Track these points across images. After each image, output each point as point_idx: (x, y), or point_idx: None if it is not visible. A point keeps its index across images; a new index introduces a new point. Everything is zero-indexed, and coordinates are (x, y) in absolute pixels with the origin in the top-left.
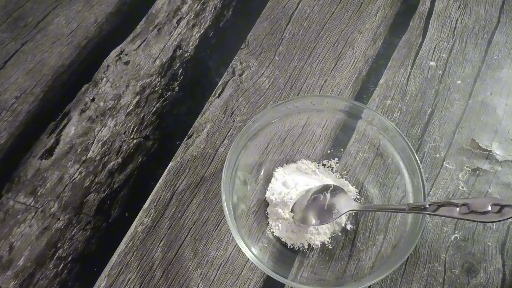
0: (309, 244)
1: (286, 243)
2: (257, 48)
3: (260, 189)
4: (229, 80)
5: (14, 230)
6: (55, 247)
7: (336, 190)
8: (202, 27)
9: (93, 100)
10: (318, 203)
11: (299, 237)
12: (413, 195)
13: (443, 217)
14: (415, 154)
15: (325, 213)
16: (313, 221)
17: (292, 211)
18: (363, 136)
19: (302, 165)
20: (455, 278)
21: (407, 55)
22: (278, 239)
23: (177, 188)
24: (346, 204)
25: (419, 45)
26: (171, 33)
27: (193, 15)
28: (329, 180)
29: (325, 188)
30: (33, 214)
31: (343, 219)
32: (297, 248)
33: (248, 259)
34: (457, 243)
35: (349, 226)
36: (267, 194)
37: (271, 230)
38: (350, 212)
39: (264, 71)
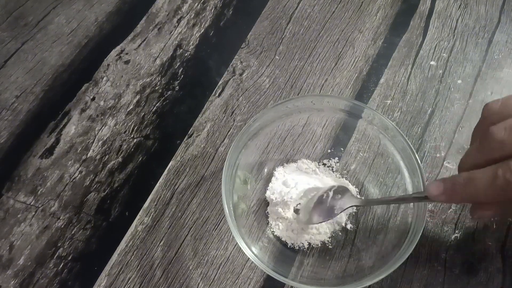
0: (310, 244)
1: (286, 242)
2: (257, 47)
3: (260, 189)
4: (230, 79)
5: (14, 229)
6: (55, 246)
7: (339, 189)
8: (202, 26)
9: (93, 99)
10: (322, 202)
11: (299, 237)
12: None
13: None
14: (416, 153)
15: (328, 211)
16: (316, 219)
17: (296, 212)
18: (363, 136)
19: (303, 165)
20: (455, 278)
21: (408, 55)
22: (278, 238)
23: (177, 188)
24: (347, 200)
25: (420, 44)
26: (171, 32)
27: (193, 15)
28: (329, 179)
29: (328, 189)
30: (33, 213)
31: (343, 218)
32: (298, 248)
33: (248, 258)
34: (457, 243)
35: (349, 226)
36: (267, 193)
37: (271, 230)
38: (352, 208)
39: (265, 71)
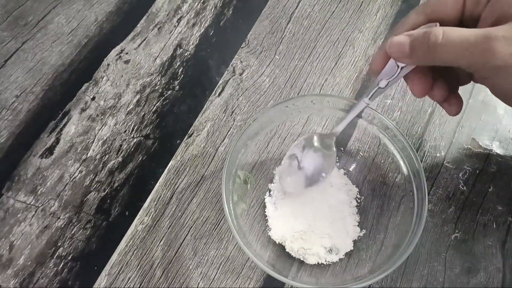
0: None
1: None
2: (257, 47)
3: (260, 188)
4: (230, 79)
5: (14, 229)
6: (55, 246)
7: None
8: (202, 26)
9: (93, 99)
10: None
11: (295, 244)
12: (413, 194)
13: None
14: (416, 153)
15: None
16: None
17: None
18: (363, 135)
19: None
20: (455, 277)
21: None
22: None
23: (177, 187)
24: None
25: None
26: (171, 32)
27: (193, 14)
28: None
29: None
30: (33, 213)
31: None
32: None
33: (248, 258)
34: (457, 242)
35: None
36: (267, 193)
37: (270, 230)
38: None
39: (265, 70)
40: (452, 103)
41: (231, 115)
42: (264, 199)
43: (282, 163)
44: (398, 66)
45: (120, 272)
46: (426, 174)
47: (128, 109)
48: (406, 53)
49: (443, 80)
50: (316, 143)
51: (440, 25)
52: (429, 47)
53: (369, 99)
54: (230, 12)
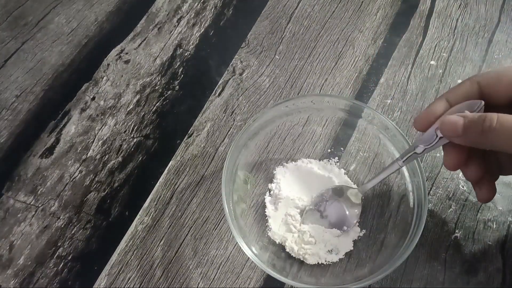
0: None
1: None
2: (257, 47)
3: (260, 188)
4: (230, 79)
5: (14, 229)
6: (55, 246)
7: (335, 190)
8: (202, 26)
9: (93, 99)
10: (320, 208)
11: (297, 244)
12: (413, 194)
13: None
14: None
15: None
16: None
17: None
18: (363, 135)
19: (302, 164)
20: (455, 277)
21: (408, 54)
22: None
23: (177, 187)
24: (352, 212)
25: (420, 44)
26: (171, 32)
27: (193, 14)
28: (330, 176)
29: (325, 196)
30: (33, 213)
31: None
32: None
33: (249, 258)
34: (457, 242)
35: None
36: (267, 193)
37: (271, 230)
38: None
39: (265, 70)
40: (483, 187)
41: (231, 115)
42: (264, 199)
43: (306, 210)
44: (436, 136)
45: (120, 272)
46: (426, 174)
47: (128, 109)
48: (458, 134)
49: (480, 160)
50: (342, 196)
51: (489, 102)
52: (482, 131)
53: (403, 161)
54: (230, 12)
